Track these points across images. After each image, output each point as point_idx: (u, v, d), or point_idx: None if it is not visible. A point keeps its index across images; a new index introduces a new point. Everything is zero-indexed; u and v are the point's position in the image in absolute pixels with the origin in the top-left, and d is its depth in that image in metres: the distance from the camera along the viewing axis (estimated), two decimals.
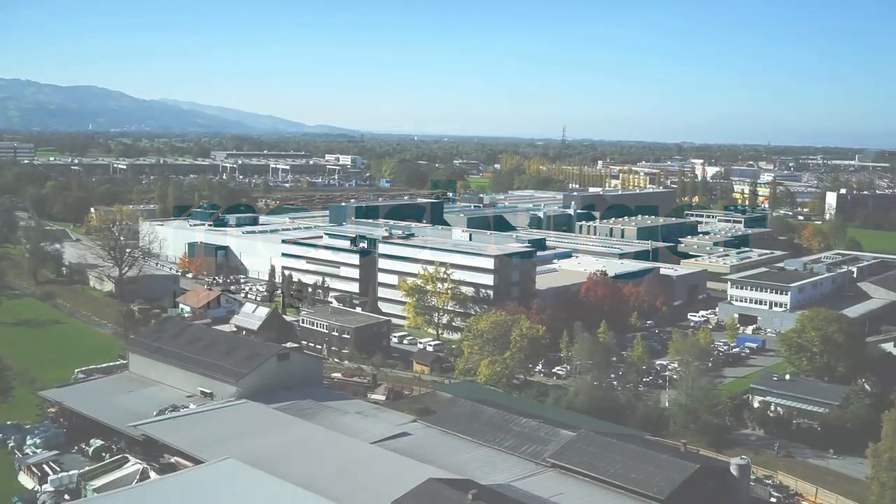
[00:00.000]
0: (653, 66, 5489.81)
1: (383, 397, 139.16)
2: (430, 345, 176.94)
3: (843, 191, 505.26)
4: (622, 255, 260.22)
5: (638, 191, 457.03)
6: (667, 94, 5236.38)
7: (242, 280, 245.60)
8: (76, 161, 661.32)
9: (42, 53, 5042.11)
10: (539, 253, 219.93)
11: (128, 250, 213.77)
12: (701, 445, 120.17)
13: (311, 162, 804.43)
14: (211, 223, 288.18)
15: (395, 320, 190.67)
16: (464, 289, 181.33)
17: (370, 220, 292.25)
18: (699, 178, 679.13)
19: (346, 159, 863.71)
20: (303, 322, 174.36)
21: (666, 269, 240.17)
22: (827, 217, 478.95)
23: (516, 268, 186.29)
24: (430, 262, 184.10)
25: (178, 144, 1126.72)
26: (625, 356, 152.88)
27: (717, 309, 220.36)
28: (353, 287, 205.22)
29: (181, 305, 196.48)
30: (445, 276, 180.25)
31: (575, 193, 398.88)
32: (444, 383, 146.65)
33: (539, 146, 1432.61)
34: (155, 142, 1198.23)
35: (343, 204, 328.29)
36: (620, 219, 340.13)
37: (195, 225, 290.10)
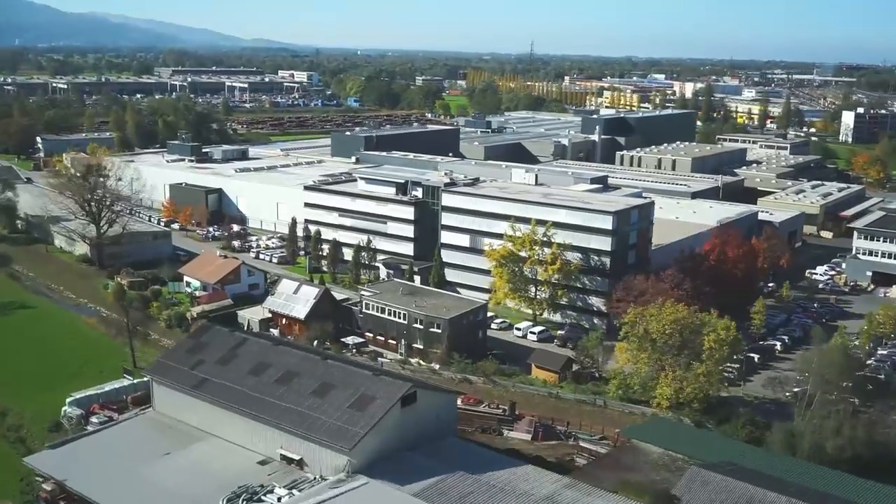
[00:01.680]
0: None
1: (528, 436, 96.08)
2: (531, 332, 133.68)
3: (860, 110, 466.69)
4: (695, 195, 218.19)
5: (658, 112, 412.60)
6: (611, 3, 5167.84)
7: (245, 231, 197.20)
8: (9, 80, 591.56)
9: None
10: None
11: (107, 200, 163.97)
12: None
13: (266, 79, 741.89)
14: (193, 158, 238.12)
15: (463, 292, 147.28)
16: (568, 255, 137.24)
17: (385, 154, 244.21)
18: (679, 94, 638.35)
19: (300, 76, 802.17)
20: (367, 307, 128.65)
21: (762, 214, 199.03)
22: (841, 138, 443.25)
23: (634, 226, 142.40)
24: (525, 220, 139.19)
25: (115, 60, 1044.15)
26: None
27: (843, 264, 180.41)
28: (405, 248, 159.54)
29: (186, 279, 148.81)
30: (548, 239, 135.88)
31: (594, 116, 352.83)
32: (617, 407, 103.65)
33: (487, 60, 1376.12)
34: (88, 58, 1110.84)
35: (349, 133, 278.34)
36: (660, 147, 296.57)
37: (174, 161, 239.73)
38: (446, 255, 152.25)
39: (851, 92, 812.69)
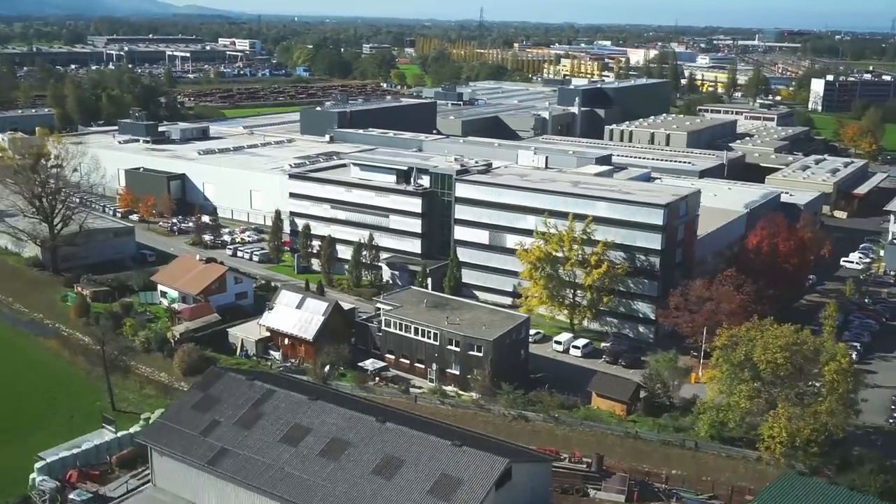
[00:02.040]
0: None
1: (622, 497, 77.73)
2: (573, 345, 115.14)
3: (829, 77, 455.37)
4: (702, 174, 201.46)
5: (633, 82, 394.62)
6: None
7: (217, 224, 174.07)
8: None
9: None
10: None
11: (62, 195, 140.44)
12: None
13: (207, 48, 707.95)
14: (149, 139, 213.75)
15: (481, 296, 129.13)
16: (610, 254, 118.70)
17: (362, 132, 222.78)
18: (644, 62, 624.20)
19: (242, 44, 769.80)
20: (386, 324, 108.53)
21: (784, 195, 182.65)
22: (811, 106, 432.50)
23: (682, 220, 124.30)
24: (557, 214, 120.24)
25: (44, 29, 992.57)
26: None
27: (881, 252, 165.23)
28: (412, 246, 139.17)
29: (162, 288, 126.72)
30: (589, 237, 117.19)
31: (572, 87, 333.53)
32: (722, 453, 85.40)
33: (429, 27, 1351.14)
34: (14, 26, 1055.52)
35: (319, 109, 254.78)
36: (648, 120, 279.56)
37: (127, 141, 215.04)
38: (461, 254, 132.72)
39: (799, 58, 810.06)
